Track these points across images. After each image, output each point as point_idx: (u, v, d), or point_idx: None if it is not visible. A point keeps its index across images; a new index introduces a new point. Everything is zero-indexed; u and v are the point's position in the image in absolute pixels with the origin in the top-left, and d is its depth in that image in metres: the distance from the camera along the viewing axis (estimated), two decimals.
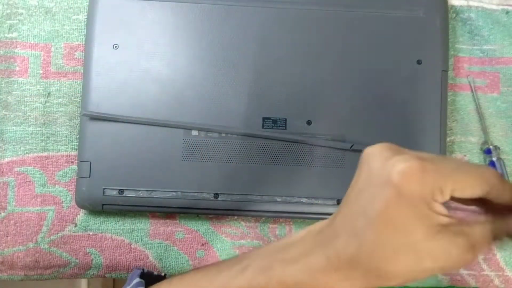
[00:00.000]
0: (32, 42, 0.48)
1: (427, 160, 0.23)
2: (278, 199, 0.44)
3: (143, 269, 0.38)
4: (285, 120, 0.45)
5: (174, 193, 0.44)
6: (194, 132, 0.44)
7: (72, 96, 0.47)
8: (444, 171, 0.23)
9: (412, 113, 0.45)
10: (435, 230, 0.23)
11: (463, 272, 0.48)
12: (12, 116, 0.47)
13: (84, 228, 0.47)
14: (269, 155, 0.44)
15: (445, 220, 0.23)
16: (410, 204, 0.23)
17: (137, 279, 0.37)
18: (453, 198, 0.24)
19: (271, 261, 0.28)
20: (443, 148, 0.45)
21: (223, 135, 0.44)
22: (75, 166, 0.47)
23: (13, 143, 0.47)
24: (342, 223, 0.26)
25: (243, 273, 0.29)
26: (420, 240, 0.23)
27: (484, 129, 0.48)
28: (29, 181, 0.47)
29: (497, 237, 0.25)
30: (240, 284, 0.28)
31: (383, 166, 0.24)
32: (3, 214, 0.46)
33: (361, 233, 0.24)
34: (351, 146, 0.44)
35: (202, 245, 0.47)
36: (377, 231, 0.23)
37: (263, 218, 0.47)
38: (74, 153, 0.47)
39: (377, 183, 0.24)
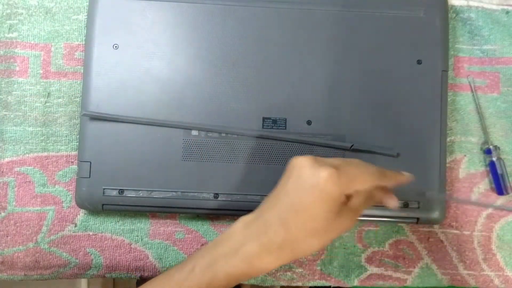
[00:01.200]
0: (32, 42, 0.48)
1: (341, 168, 0.32)
2: None
3: None
4: (285, 120, 0.45)
5: (174, 193, 0.44)
6: (194, 132, 0.44)
7: (72, 96, 0.47)
8: (351, 176, 0.32)
9: (412, 113, 0.45)
10: (338, 213, 0.32)
11: (463, 272, 0.48)
12: (12, 116, 0.47)
13: (84, 228, 0.47)
14: (269, 155, 0.44)
15: (342, 204, 0.33)
16: (328, 200, 0.32)
17: None
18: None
19: (213, 257, 0.34)
20: (443, 148, 0.45)
21: (223, 135, 0.44)
22: (75, 166, 0.47)
23: (13, 143, 0.47)
24: (272, 216, 0.33)
25: (192, 273, 0.34)
26: (331, 223, 0.32)
27: (484, 129, 0.48)
28: (29, 181, 0.47)
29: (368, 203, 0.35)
30: (191, 284, 0.33)
31: (311, 174, 0.32)
32: (3, 214, 0.46)
33: (290, 223, 0.32)
34: (351, 146, 0.44)
35: (202, 245, 0.47)
36: (303, 221, 0.32)
37: None
38: (74, 153, 0.47)
39: (306, 186, 0.32)
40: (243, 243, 0.33)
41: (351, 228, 0.35)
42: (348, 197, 0.34)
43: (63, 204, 0.47)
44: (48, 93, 0.47)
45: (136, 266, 0.47)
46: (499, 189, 0.47)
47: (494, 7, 0.50)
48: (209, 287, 0.33)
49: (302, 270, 0.47)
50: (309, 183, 0.32)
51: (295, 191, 0.33)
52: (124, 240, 0.47)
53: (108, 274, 0.47)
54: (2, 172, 0.47)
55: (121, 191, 0.44)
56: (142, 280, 0.47)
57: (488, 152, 0.48)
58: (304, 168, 0.33)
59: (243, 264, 0.33)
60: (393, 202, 0.36)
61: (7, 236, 0.46)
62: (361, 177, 0.33)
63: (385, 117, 0.45)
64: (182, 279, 0.34)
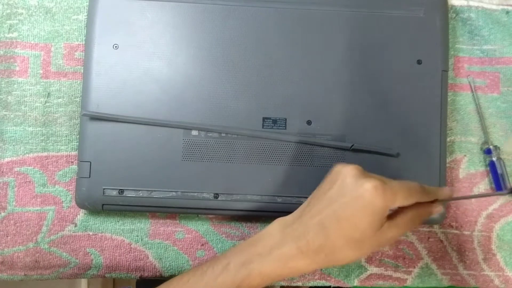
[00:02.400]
0: (32, 42, 0.48)
1: (386, 182, 0.32)
2: (278, 199, 0.44)
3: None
4: (285, 120, 0.45)
5: (174, 193, 0.44)
6: (194, 132, 0.44)
7: (72, 96, 0.47)
8: (395, 190, 0.32)
9: (412, 113, 0.45)
10: (380, 226, 0.32)
11: (463, 272, 0.48)
12: (12, 116, 0.47)
13: (84, 228, 0.47)
14: (269, 155, 0.44)
15: (385, 220, 0.33)
16: (372, 212, 0.32)
17: None
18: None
19: (248, 256, 0.34)
20: (443, 148, 0.45)
21: (223, 135, 0.44)
22: (75, 166, 0.47)
23: (13, 143, 0.47)
24: (312, 221, 0.33)
25: (226, 269, 0.34)
26: (371, 236, 0.32)
27: (484, 129, 0.48)
28: (29, 181, 0.47)
29: (415, 221, 0.35)
30: (225, 280, 0.33)
31: (356, 184, 0.32)
32: (3, 214, 0.46)
33: (329, 230, 0.32)
34: (351, 146, 0.44)
35: (202, 245, 0.47)
36: (343, 229, 0.32)
37: (263, 218, 0.47)
38: (74, 153, 0.47)
39: (350, 196, 0.32)
40: (280, 244, 0.34)
41: (392, 243, 0.36)
42: (393, 213, 0.34)
43: (63, 204, 0.47)
44: (48, 93, 0.47)
45: (136, 266, 0.47)
46: (499, 189, 0.47)
47: (494, 7, 0.50)
48: (242, 284, 0.33)
49: None
50: (354, 193, 0.32)
51: (338, 199, 0.33)
52: (124, 240, 0.47)
53: (108, 274, 0.47)
54: (2, 172, 0.47)
55: (121, 191, 0.44)
56: (142, 280, 0.48)
57: (488, 152, 0.48)
58: (349, 177, 0.33)
59: (278, 265, 0.33)
60: (437, 209, 0.36)
61: (7, 236, 0.46)
62: (405, 192, 0.33)
63: (385, 117, 0.45)
64: (216, 275, 0.34)
